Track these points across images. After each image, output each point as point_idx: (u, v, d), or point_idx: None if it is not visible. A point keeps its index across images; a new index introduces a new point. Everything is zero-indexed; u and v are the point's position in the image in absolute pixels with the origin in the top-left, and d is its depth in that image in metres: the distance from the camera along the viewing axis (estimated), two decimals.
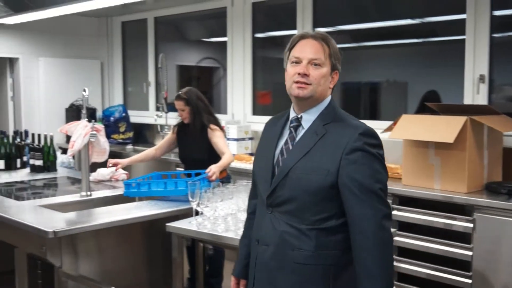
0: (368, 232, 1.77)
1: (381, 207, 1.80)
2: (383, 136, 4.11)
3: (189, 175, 3.73)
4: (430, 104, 3.95)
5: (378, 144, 1.88)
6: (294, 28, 5.19)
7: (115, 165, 3.98)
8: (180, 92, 4.02)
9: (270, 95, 5.87)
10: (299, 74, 1.89)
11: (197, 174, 3.65)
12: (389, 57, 4.98)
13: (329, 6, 5.19)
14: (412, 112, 4.48)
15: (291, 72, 1.92)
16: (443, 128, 3.54)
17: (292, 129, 1.96)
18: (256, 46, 5.66)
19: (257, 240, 1.97)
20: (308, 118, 1.94)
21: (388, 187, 3.77)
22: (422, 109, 4.31)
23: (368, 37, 5.12)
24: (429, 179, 3.69)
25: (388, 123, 4.12)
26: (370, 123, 4.86)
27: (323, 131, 1.89)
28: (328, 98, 1.98)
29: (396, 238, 3.63)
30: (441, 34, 4.63)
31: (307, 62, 1.89)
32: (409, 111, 4.57)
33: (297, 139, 1.93)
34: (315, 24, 5.11)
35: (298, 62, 1.91)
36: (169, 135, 4.26)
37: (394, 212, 3.75)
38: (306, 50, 1.91)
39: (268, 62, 5.82)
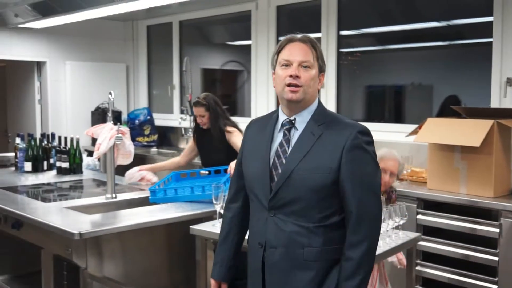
0: (362, 228, 1.89)
1: (376, 205, 1.94)
2: (408, 140, 4.11)
3: (208, 173, 3.78)
4: (456, 108, 3.90)
5: (372, 142, 1.98)
6: (318, 31, 5.18)
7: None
8: (198, 99, 4.05)
9: None
10: (290, 76, 1.93)
11: (216, 172, 3.69)
12: (414, 60, 4.93)
13: (354, 8, 5.16)
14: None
15: (282, 74, 1.96)
16: (470, 132, 3.49)
17: (286, 131, 2.00)
18: None
19: (260, 243, 1.99)
20: (301, 120, 1.99)
21: (413, 191, 3.76)
22: (442, 115, 4.27)
23: (393, 39, 5.08)
24: (454, 183, 3.64)
25: (413, 127, 4.08)
26: (394, 127, 4.86)
27: (319, 131, 1.95)
28: (317, 100, 2.03)
29: (421, 243, 3.59)
30: (467, 36, 4.57)
31: (297, 64, 1.95)
32: (434, 114, 4.52)
33: (294, 141, 1.97)
34: (340, 27, 5.09)
35: (288, 64, 1.96)
36: (190, 143, 4.33)
37: (419, 217, 3.71)
38: (296, 53, 1.96)
39: None
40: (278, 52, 2.01)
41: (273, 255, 1.95)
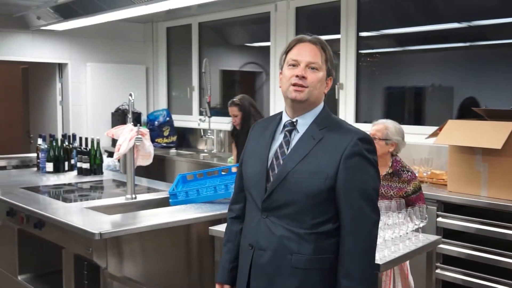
0: (359, 237, 1.83)
1: (373, 215, 1.87)
2: (428, 142, 4.07)
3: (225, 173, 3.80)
4: (477, 109, 3.86)
5: (374, 150, 1.93)
6: (338, 32, 5.17)
7: None
8: (234, 99, 4.24)
9: None
10: (297, 76, 1.90)
11: (224, 170, 3.70)
12: (434, 61, 4.90)
13: (373, 10, 5.14)
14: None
15: (288, 74, 1.93)
16: (491, 134, 3.45)
17: (287, 133, 1.96)
18: None
19: (250, 245, 1.95)
20: (303, 123, 1.95)
21: (433, 193, 3.72)
22: (461, 116, 4.23)
23: (413, 41, 5.04)
24: (475, 186, 3.60)
25: (433, 129, 4.05)
26: (414, 129, 4.82)
27: (320, 135, 1.91)
28: (322, 104, 2.00)
29: (440, 246, 3.56)
30: (489, 37, 4.52)
31: (305, 65, 1.92)
32: (455, 116, 4.48)
33: (294, 143, 1.93)
34: (359, 28, 5.08)
35: (295, 65, 1.93)
36: (234, 152, 4.45)
37: (439, 219, 3.68)
38: (304, 53, 1.93)
39: None
40: (286, 52, 1.99)
41: (261, 258, 1.91)
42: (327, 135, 1.91)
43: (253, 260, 1.94)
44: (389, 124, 3.25)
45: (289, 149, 1.93)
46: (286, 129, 1.97)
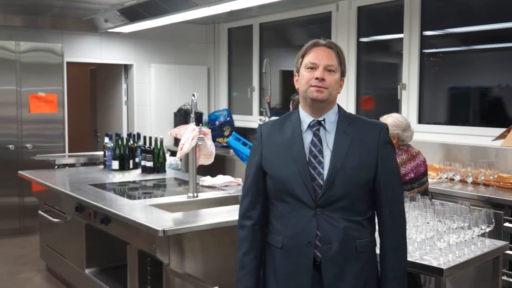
0: (400, 212, 2.09)
1: (403, 196, 2.15)
2: (494, 144, 3.94)
3: None
4: None
5: None
6: (400, 32, 5.08)
7: None
8: (293, 97, 4.26)
9: (373, 100, 5.77)
10: (317, 78, 2.02)
11: None
12: (501, 61, 4.73)
13: (437, 8, 5.02)
14: None
15: (307, 76, 2.04)
16: None
17: (316, 131, 2.06)
18: (361, 51, 5.60)
19: (309, 242, 2.00)
20: (329, 121, 2.08)
21: (500, 197, 3.61)
22: None
23: (479, 39, 4.89)
24: None
25: (500, 130, 3.92)
26: (480, 130, 4.66)
27: (351, 130, 2.06)
28: (336, 102, 2.14)
29: (508, 252, 3.43)
30: None
31: (323, 68, 2.03)
32: None
33: (330, 140, 2.05)
34: (423, 27, 4.97)
35: (313, 67, 2.04)
36: None
37: (506, 224, 3.56)
38: (322, 57, 2.04)
39: (372, 66, 5.73)
40: (303, 56, 2.08)
41: (330, 251, 2.00)
42: (356, 129, 2.06)
43: (319, 255, 2.01)
44: (388, 119, 3.46)
45: (326, 147, 2.04)
46: (314, 128, 2.06)
